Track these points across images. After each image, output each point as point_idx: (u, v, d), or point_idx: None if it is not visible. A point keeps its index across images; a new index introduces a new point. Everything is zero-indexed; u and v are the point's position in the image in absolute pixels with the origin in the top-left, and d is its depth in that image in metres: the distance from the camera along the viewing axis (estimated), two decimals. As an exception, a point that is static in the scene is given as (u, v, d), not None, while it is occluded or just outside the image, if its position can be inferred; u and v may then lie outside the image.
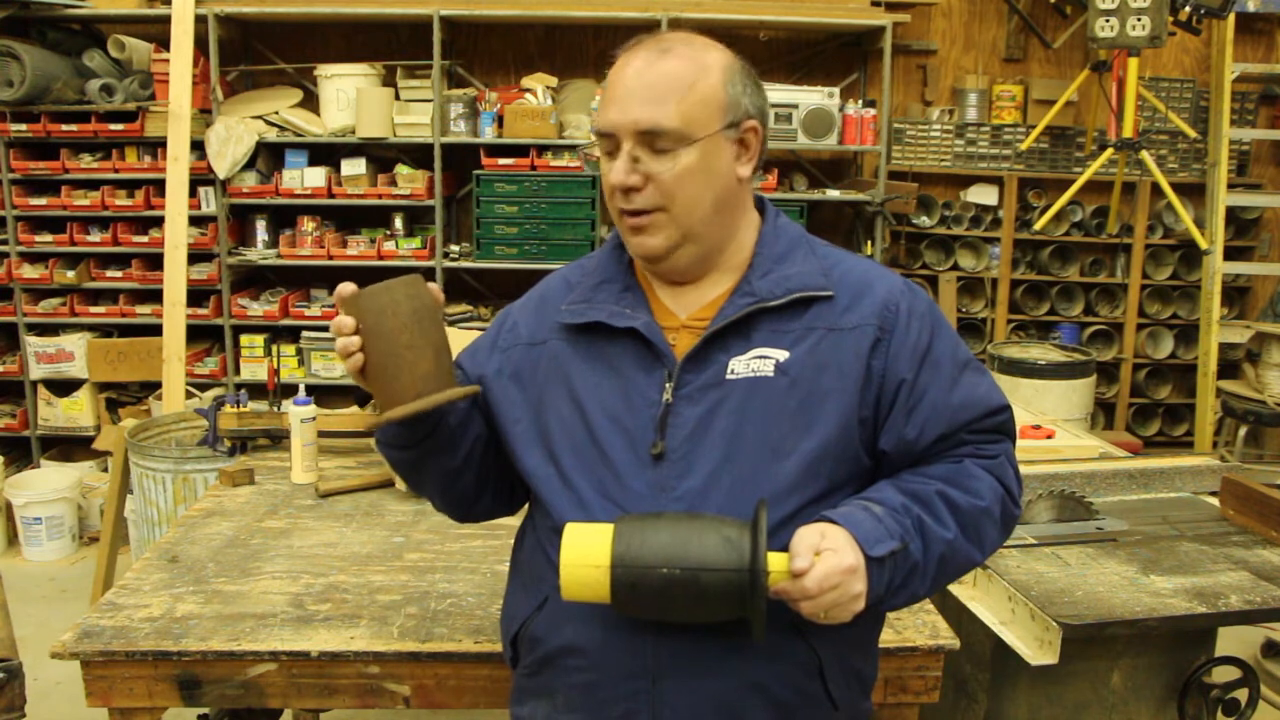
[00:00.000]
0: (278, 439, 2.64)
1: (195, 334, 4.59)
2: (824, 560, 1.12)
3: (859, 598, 1.14)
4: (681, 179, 1.22)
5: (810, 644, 1.25)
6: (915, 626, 1.69)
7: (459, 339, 2.48)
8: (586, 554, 1.14)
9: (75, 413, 4.66)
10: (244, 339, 4.65)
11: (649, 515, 1.18)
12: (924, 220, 4.97)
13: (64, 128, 4.41)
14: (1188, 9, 4.26)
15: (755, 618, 1.13)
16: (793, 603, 1.14)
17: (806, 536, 1.14)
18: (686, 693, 1.23)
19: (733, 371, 1.24)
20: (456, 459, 1.35)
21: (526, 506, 1.45)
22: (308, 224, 4.57)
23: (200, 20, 4.32)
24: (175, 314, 4.28)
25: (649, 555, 1.13)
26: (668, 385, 1.25)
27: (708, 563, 1.12)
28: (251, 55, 4.80)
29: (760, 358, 1.24)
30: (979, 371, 1.31)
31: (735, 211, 1.30)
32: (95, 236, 4.53)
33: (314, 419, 2.39)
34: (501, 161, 4.49)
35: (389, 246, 4.59)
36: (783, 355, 1.24)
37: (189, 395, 4.32)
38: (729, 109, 1.24)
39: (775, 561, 1.14)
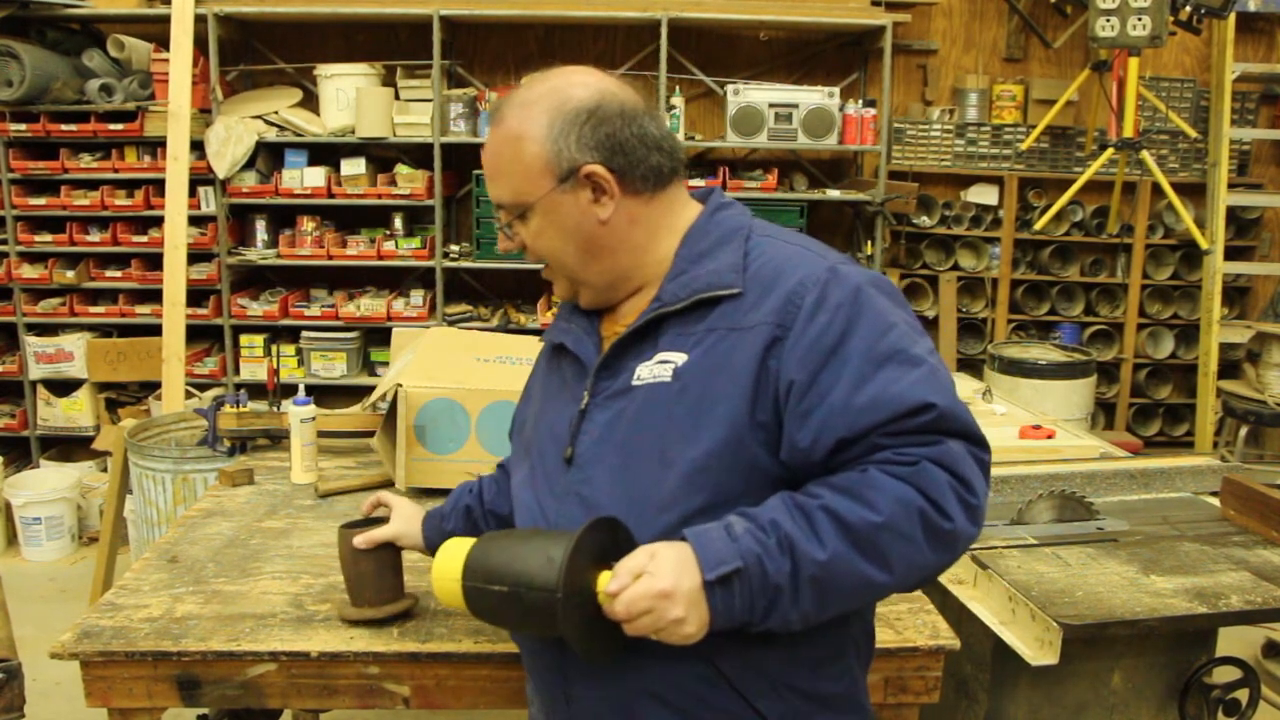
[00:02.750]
0: (277, 439, 2.63)
1: (195, 334, 4.59)
2: (639, 583, 1.10)
3: (681, 622, 1.10)
4: (538, 239, 1.28)
5: (706, 656, 1.20)
6: (915, 627, 1.69)
7: (456, 338, 2.48)
8: (447, 568, 1.24)
9: (75, 413, 4.66)
10: (243, 339, 4.65)
11: (511, 531, 1.31)
12: (924, 220, 4.97)
13: (63, 127, 4.41)
14: (1188, 8, 4.26)
15: (569, 637, 1.14)
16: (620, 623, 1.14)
17: (636, 557, 1.12)
18: (590, 694, 1.28)
19: (638, 378, 1.23)
20: None
21: None
22: (307, 224, 4.57)
23: (200, 20, 4.32)
24: (175, 314, 4.27)
25: (486, 572, 1.20)
26: (585, 393, 1.28)
27: (525, 580, 1.16)
28: (251, 55, 4.80)
29: (662, 363, 1.22)
30: (906, 365, 1.13)
31: (616, 249, 1.27)
32: (95, 236, 4.53)
33: (314, 419, 2.39)
34: (501, 161, 4.48)
35: (389, 246, 4.59)
36: (681, 359, 1.21)
37: (188, 395, 4.32)
38: (553, 166, 1.23)
39: (602, 580, 1.15)
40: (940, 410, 1.11)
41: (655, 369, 1.22)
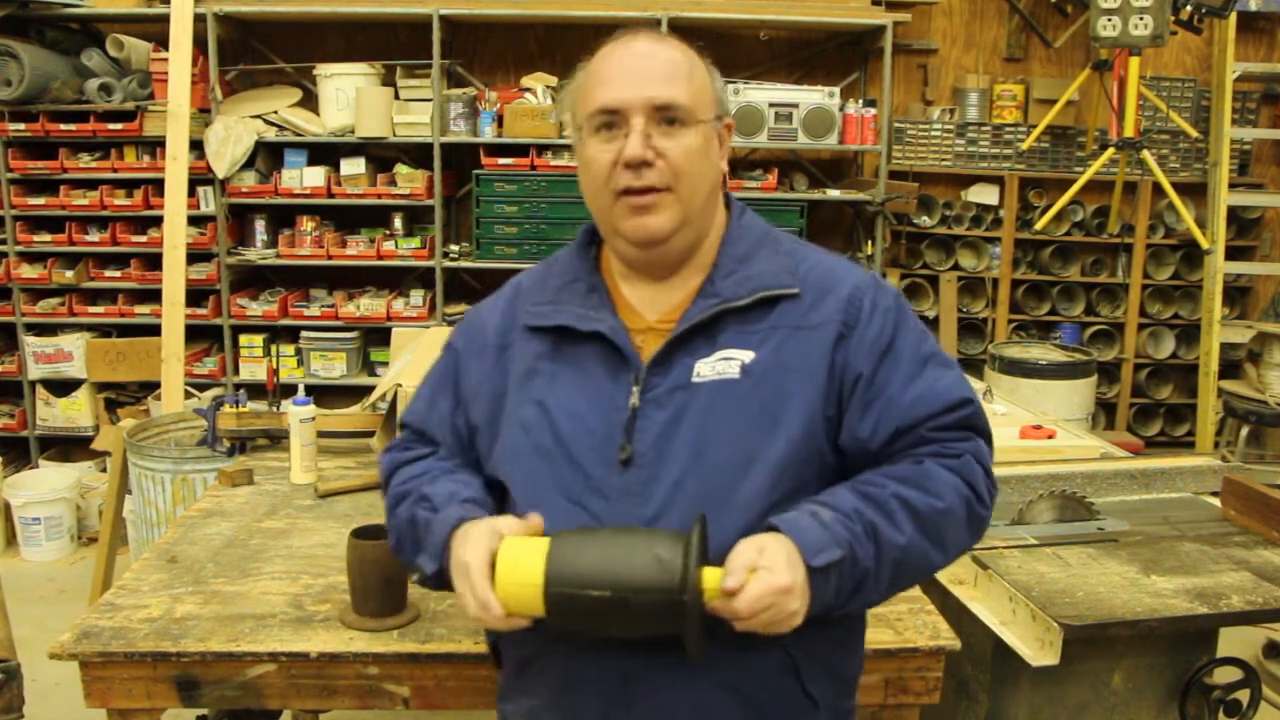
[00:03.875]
0: (277, 439, 2.63)
1: (194, 334, 4.58)
2: (758, 580, 1.09)
3: (795, 615, 1.12)
4: (691, 157, 1.22)
5: (782, 644, 1.22)
6: (916, 627, 1.69)
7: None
8: (521, 571, 1.14)
9: (74, 413, 4.66)
10: (243, 339, 4.64)
11: (585, 530, 1.18)
12: (925, 220, 4.97)
13: (62, 127, 4.40)
14: (1189, 8, 4.25)
15: (689, 639, 1.11)
16: (729, 620, 1.12)
17: (744, 552, 1.12)
18: (658, 693, 1.22)
19: (699, 374, 1.23)
20: None
21: None
22: (307, 224, 4.57)
23: (199, 19, 4.32)
24: (174, 314, 4.27)
25: (580, 576, 1.11)
26: (634, 389, 1.24)
27: (637, 584, 1.10)
28: (250, 54, 4.80)
29: (726, 360, 1.23)
30: (943, 366, 1.28)
31: (716, 204, 1.32)
32: (94, 236, 4.52)
33: (313, 419, 2.38)
34: (501, 161, 4.49)
35: (388, 246, 4.58)
36: (748, 356, 1.23)
37: (188, 395, 4.32)
38: (717, 101, 1.28)
39: (710, 578, 1.12)
40: (975, 407, 1.27)
41: (719, 366, 1.23)
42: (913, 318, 1.30)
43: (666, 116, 1.21)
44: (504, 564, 1.15)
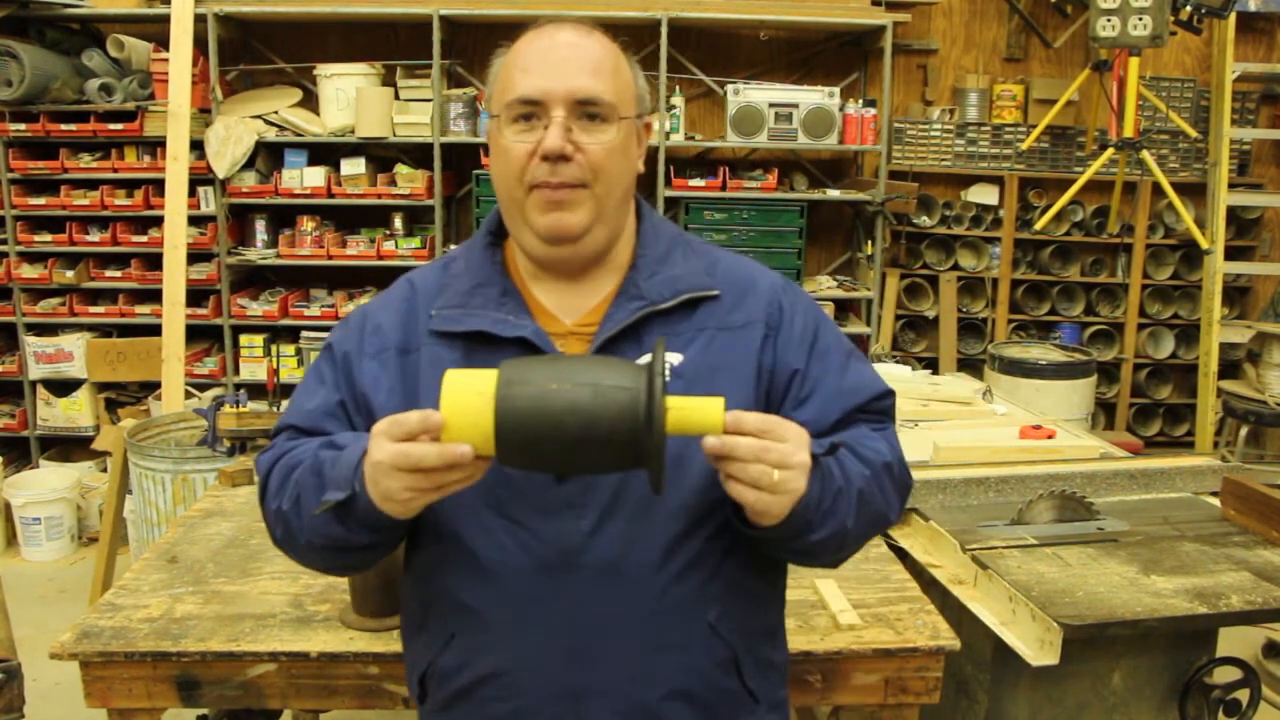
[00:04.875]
0: (277, 439, 2.63)
1: (194, 334, 4.58)
2: (764, 417, 1.07)
3: (798, 472, 1.07)
4: (610, 154, 1.19)
5: (724, 638, 1.22)
6: (915, 627, 1.69)
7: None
8: (470, 384, 1.02)
9: (74, 413, 4.66)
10: (243, 339, 4.64)
11: (528, 358, 1.08)
12: (924, 220, 4.97)
13: (63, 127, 4.40)
14: (1189, 8, 4.25)
15: (654, 464, 1.01)
16: (724, 464, 1.06)
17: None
18: (611, 708, 1.20)
19: None
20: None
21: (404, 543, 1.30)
22: (307, 224, 4.57)
23: (199, 19, 4.32)
24: (174, 314, 4.27)
25: (539, 376, 1.01)
26: None
27: (604, 379, 1.00)
28: (251, 55, 4.80)
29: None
30: (860, 359, 1.33)
31: (629, 204, 1.29)
32: (94, 236, 4.52)
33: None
34: (501, 161, 4.48)
35: (388, 246, 4.58)
36: (677, 359, 1.22)
37: (188, 395, 4.32)
38: (639, 99, 1.26)
39: (706, 407, 1.04)
40: (894, 398, 1.33)
41: None
42: (826, 315, 1.34)
43: (588, 111, 1.17)
44: (450, 380, 1.03)
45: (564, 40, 1.20)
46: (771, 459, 1.05)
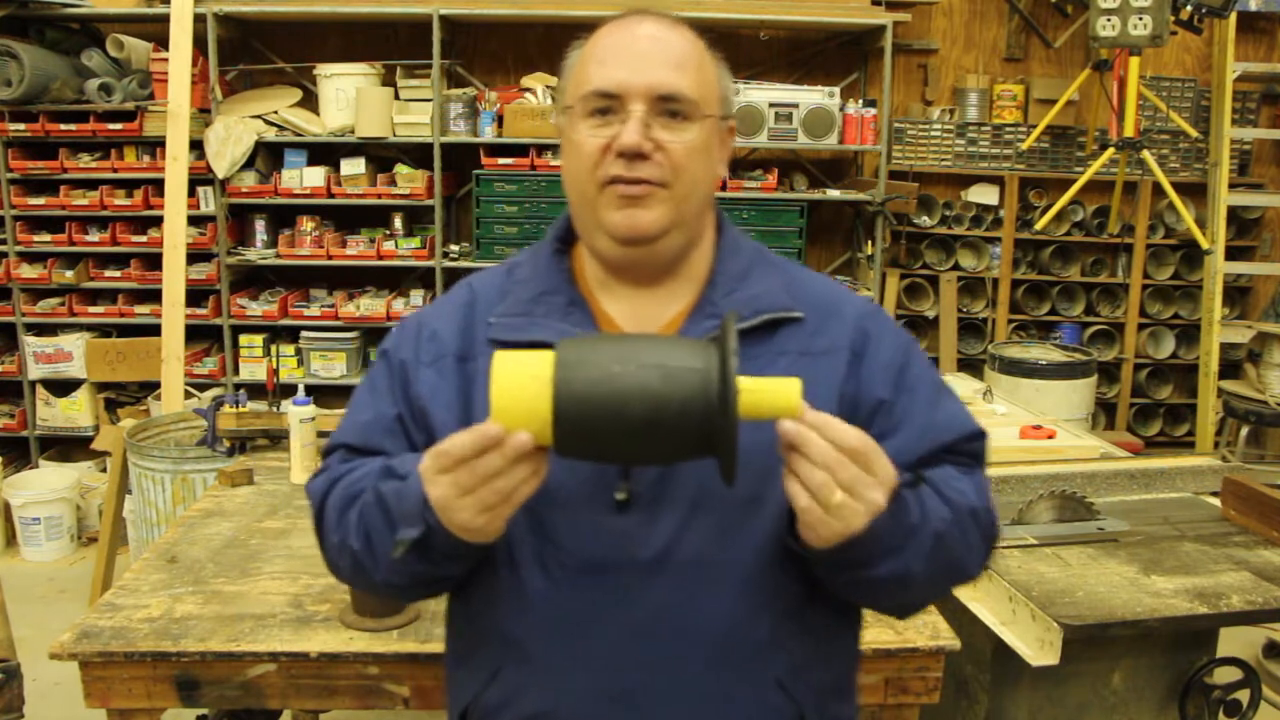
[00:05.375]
0: (277, 439, 2.63)
1: (194, 334, 4.58)
2: (842, 424, 0.97)
3: (869, 510, 0.96)
4: (691, 153, 1.10)
5: (791, 694, 1.12)
6: (916, 627, 1.69)
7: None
8: (523, 366, 0.94)
9: (74, 413, 4.66)
10: (243, 339, 4.64)
11: (593, 335, 1.00)
12: (925, 220, 4.97)
13: (62, 127, 4.40)
14: (1189, 8, 4.25)
15: (725, 451, 0.92)
16: (791, 457, 0.96)
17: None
18: None
19: None
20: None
21: None
22: (307, 224, 4.57)
23: (199, 19, 4.32)
24: (174, 314, 4.27)
25: (601, 356, 0.93)
26: None
27: (672, 359, 0.93)
28: (250, 54, 4.80)
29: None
30: (953, 396, 1.22)
31: (709, 211, 1.20)
32: (94, 236, 4.52)
33: (313, 419, 2.38)
34: (501, 161, 4.49)
35: (388, 246, 4.58)
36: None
37: (188, 395, 4.32)
38: (724, 100, 1.18)
39: (783, 388, 0.95)
40: (986, 440, 1.21)
41: None
42: (916, 344, 1.23)
43: (669, 108, 1.09)
44: (500, 363, 0.94)
45: (645, 32, 1.12)
46: (843, 478, 0.95)
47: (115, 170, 4.49)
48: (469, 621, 1.19)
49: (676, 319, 1.16)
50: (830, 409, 1.08)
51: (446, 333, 1.18)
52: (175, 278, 4.27)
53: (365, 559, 1.11)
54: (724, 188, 4.54)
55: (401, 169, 4.67)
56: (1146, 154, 4.35)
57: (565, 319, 1.14)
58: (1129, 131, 4.28)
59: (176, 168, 4.28)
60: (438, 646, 1.61)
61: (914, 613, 1.21)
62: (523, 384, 0.92)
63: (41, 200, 4.51)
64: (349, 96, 4.46)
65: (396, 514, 1.05)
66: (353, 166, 4.55)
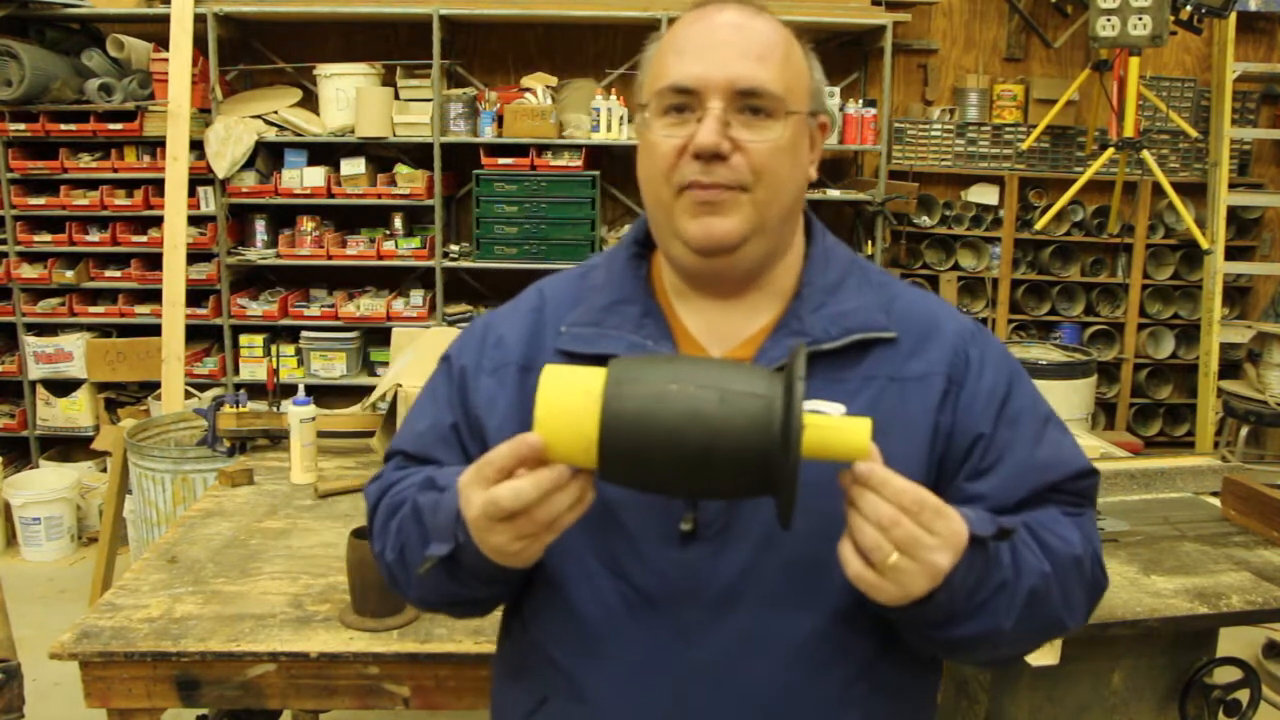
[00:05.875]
0: (277, 439, 2.63)
1: (194, 334, 4.58)
2: (907, 482, 0.89)
3: (929, 575, 0.88)
4: (775, 153, 1.00)
5: None
6: (916, 627, 1.69)
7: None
8: (573, 380, 0.87)
9: (74, 413, 4.66)
10: (243, 339, 4.64)
11: (645, 356, 0.94)
12: (924, 220, 4.97)
13: (63, 127, 4.40)
14: (1189, 8, 4.25)
15: (784, 493, 0.85)
16: (848, 508, 0.89)
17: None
18: None
19: None
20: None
21: None
22: (307, 224, 4.57)
23: (199, 19, 4.32)
24: (174, 314, 4.27)
25: (656, 375, 0.86)
26: None
27: (733, 383, 0.85)
28: (251, 54, 4.80)
29: (813, 412, 0.93)
30: (1061, 429, 1.11)
31: (797, 217, 1.10)
32: (94, 236, 4.52)
33: (313, 419, 2.38)
34: (501, 161, 4.49)
35: (388, 246, 4.58)
36: (839, 410, 0.98)
37: (188, 395, 4.32)
38: (814, 93, 1.07)
39: (853, 428, 0.88)
40: (1097, 479, 1.11)
41: None
42: (1023, 370, 1.12)
43: (751, 104, 0.99)
44: (549, 377, 0.88)
45: (726, 21, 1.02)
46: (897, 536, 0.87)
47: (115, 170, 4.49)
48: (521, 633, 1.12)
49: (759, 335, 1.07)
50: (924, 441, 1.03)
51: (512, 339, 1.11)
52: (175, 278, 4.27)
53: (398, 572, 1.08)
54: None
55: (401, 169, 4.67)
56: (1146, 154, 4.36)
57: (639, 331, 1.06)
58: (1129, 131, 4.28)
59: (176, 168, 4.28)
60: (438, 646, 1.61)
61: (1006, 666, 1.14)
62: (572, 400, 0.86)
63: (42, 200, 4.51)
64: (349, 96, 4.46)
65: (430, 528, 1.00)
66: (353, 166, 4.55)
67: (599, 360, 0.98)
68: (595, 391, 0.86)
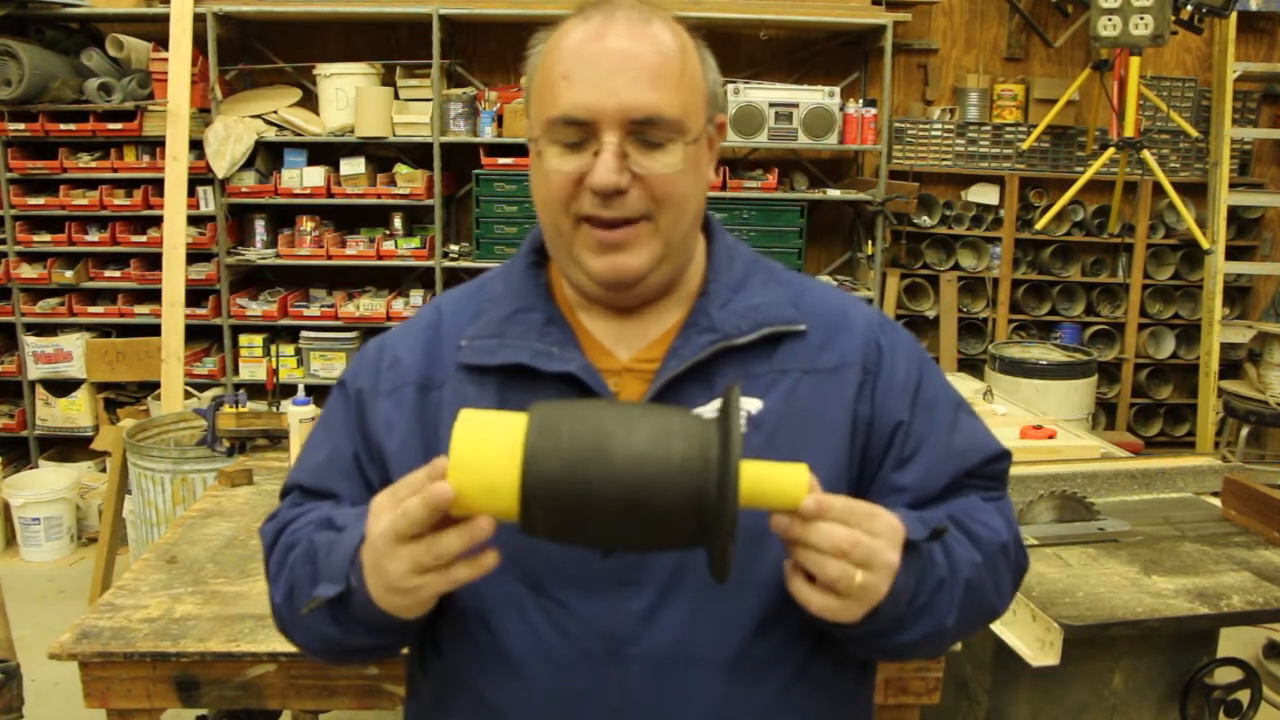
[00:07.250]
0: (276, 439, 2.63)
1: (194, 334, 4.58)
2: (848, 503, 0.88)
3: (887, 575, 0.88)
4: (677, 180, 0.97)
5: None
6: (917, 627, 1.69)
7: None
8: (490, 430, 0.82)
9: (73, 413, 4.66)
10: (243, 339, 4.64)
11: (568, 403, 0.87)
12: (925, 220, 4.97)
13: (62, 127, 4.40)
14: (1190, 8, 4.25)
15: (718, 549, 0.81)
16: (797, 552, 0.87)
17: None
18: None
19: None
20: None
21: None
22: (306, 224, 4.57)
23: (199, 19, 4.31)
24: (174, 314, 4.27)
25: (581, 425, 0.81)
26: None
27: (665, 432, 0.81)
28: (250, 54, 4.79)
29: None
30: (972, 415, 1.13)
31: (699, 226, 1.07)
32: (94, 236, 4.52)
33: (313, 419, 2.38)
34: (501, 161, 4.49)
35: (388, 246, 4.58)
36: (755, 405, 1.00)
37: (187, 395, 4.32)
38: (711, 99, 1.02)
39: (784, 475, 0.84)
40: (1010, 461, 1.13)
41: None
42: (930, 359, 1.13)
43: (647, 136, 0.95)
44: (465, 430, 0.82)
45: (617, 37, 0.95)
46: (857, 556, 0.86)
47: (115, 170, 4.49)
48: (439, 674, 1.07)
49: (666, 335, 1.05)
50: (843, 432, 1.02)
51: (409, 358, 1.07)
52: (175, 278, 4.27)
53: (285, 614, 1.04)
54: (724, 187, 4.54)
55: (401, 169, 4.67)
56: (1147, 154, 4.35)
57: (544, 338, 1.02)
58: (1129, 131, 4.28)
59: (176, 167, 4.28)
60: (437, 647, 1.61)
61: (939, 655, 1.15)
62: (487, 452, 0.80)
63: (41, 200, 4.51)
64: (349, 96, 4.46)
65: (322, 568, 0.96)
66: (352, 166, 4.55)
67: (505, 370, 1.00)
68: (514, 444, 0.80)
